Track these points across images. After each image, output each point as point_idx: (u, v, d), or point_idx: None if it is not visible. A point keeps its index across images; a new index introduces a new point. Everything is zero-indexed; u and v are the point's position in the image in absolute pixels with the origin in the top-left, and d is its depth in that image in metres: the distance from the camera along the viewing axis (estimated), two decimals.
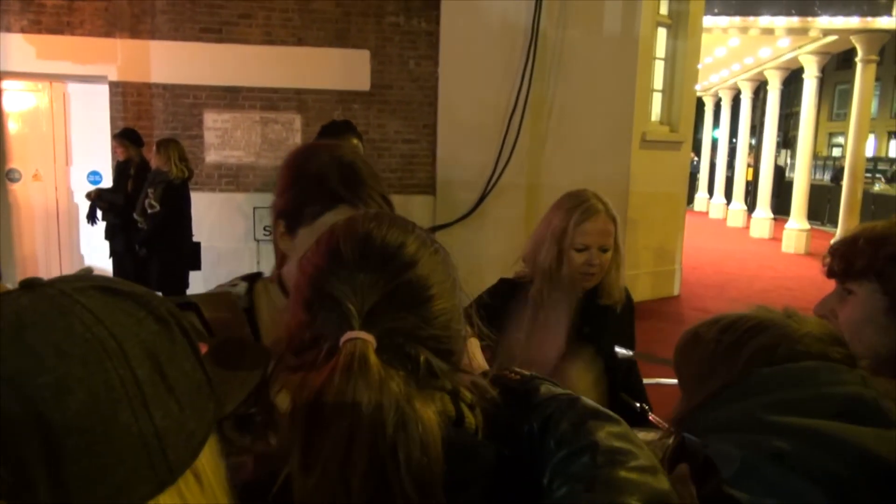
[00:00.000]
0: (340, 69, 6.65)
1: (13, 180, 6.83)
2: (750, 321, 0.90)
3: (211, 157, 6.59)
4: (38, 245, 6.94)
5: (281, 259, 1.16)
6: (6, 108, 6.78)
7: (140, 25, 6.40)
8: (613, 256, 1.76)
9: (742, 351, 0.87)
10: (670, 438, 0.92)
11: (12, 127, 6.81)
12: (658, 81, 7.51)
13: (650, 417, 1.65)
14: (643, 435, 0.94)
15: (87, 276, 0.48)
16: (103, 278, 0.49)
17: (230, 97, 6.59)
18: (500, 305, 1.72)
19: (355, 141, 2.45)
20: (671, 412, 0.95)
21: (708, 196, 18.36)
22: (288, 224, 1.11)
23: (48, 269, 6.95)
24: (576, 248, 1.71)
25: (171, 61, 6.47)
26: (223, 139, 6.63)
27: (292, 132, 6.67)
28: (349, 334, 0.63)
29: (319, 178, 1.10)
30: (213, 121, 6.61)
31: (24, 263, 6.94)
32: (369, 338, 0.63)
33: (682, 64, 7.55)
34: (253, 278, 1.18)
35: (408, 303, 0.68)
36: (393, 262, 0.69)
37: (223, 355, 0.54)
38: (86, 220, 5.57)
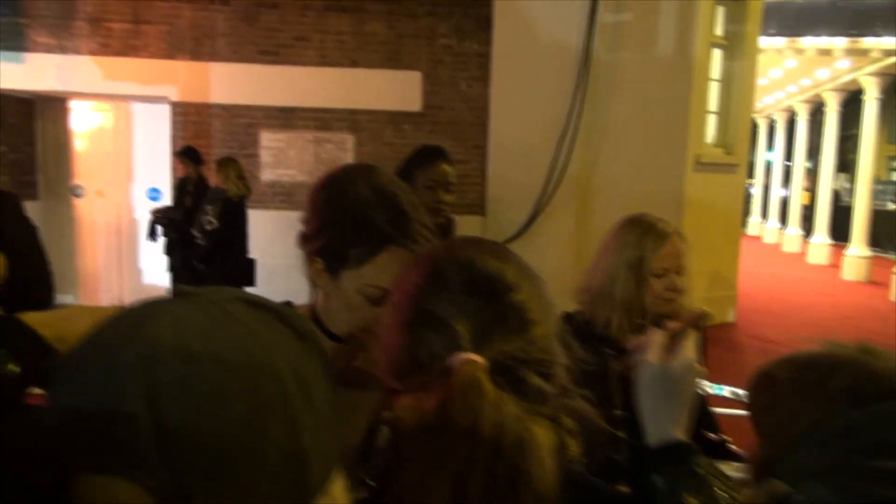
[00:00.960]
0: (393, 90, 6.74)
1: (77, 196, 7.10)
2: (828, 359, 0.85)
3: (266, 175, 6.74)
4: (99, 259, 7.17)
5: (319, 295, 1.11)
6: (74, 127, 7.07)
7: (201, 48, 6.62)
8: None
9: (824, 391, 0.82)
10: (752, 485, 0.88)
11: (79, 145, 7.09)
12: (713, 103, 7.38)
13: (730, 448, 1.59)
14: (727, 468, 0.90)
15: (229, 289, 0.48)
16: (244, 292, 0.49)
17: (285, 117, 6.74)
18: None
19: (446, 167, 2.44)
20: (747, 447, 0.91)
21: (762, 220, 17.91)
22: (329, 264, 1.06)
23: (108, 282, 7.18)
24: (655, 273, 1.64)
25: (229, 82, 6.66)
26: (278, 158, 6.77)
27: (345, 152, 6.77)
28: (462, 356, 0.62)
29: (364, 217, 1.03)
30: (269, 140, 6.76)
31: (85, 277, 7.18)
32: (482, 360, 0.62)
33: (737, 85, 7.42)
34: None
35: (513, 327, 0.67)
36: (497, 287, 0.69)
37: (341, 379, 0.54)
38: (147, 237, 5.72)
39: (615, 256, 1.68)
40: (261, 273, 5.36)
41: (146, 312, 0.44)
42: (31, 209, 6.60)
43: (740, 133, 7.54)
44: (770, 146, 18.23)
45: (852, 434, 0.78)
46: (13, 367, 0.58)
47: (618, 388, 1.43)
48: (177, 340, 0.41)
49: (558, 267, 5.88)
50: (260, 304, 0.47)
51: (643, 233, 1.66)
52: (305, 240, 1.08)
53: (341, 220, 1.04)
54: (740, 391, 1.65)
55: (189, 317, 0.43)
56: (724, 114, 7.49)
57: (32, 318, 0.64)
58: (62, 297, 7.05)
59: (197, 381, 0.40)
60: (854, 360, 0.83)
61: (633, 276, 1.63)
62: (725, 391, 1.95)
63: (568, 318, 1.74)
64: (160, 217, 5.56)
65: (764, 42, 8.63)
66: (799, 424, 0.82)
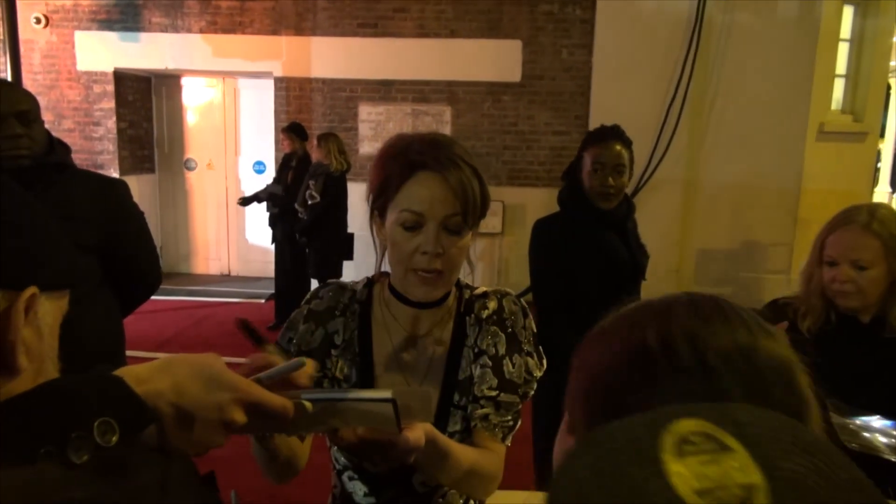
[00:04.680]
0: (492, 60, 6.60)
1: (190, 169, 7.45)
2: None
3: (364, 148, 6.81)
4: (209, 230, 7.54)
5: (383, 253, 1.15)
6: (186, 103, 7.41)
7: (303, 23, 6.71)
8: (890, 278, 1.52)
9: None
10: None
11: (191, 120, 7.42)
12: (841, 66, 6.75)
13: None
14: None
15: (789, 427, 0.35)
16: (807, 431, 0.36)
17: (384, 90, 6.76)
18: None
19: (618, 147, 2.29)
20: None
21: (891, 190, 16.49)
22: (379, 212, 1.11)
23: (218, 252, 7.54)
24: (826, 260, 1.55)
25: (330, 56, 6.74)
26: (376, 131, 6.81)
27: (442, 124, 6.72)
28: None
29: (399, 153, 1.08)
30: (368, 113, 6.81)
31: (196, 247, 7.58)
32: None
33: (870, 45, 6.73)
34: (369, 280, 1.21)
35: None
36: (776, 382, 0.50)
37: None
38: (239, 202, 5.95)
39: (814, 240, 1.62)
40: (358, 246, 5.44)
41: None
42: (148, 182, 7.00)
43: (872, 98, 6.86)
44: None
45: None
46: (114, 438, 0.54)
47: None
48: None
49: (662, 242, 5.62)
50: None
51: (834, 217, 1.58)
52: (371, 206, 1.13)
53: (384, 166, 1.09)
54: None
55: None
56: (853, 77, 6.84)
57: (130, 376, 0.60)
58: (176, 265, 7.48)
59: None
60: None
61: (812, 261, 1.59)
62: None
63: (772, 304, 1.71)
64: (262, 193, 5.73)
65: None
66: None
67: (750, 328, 0.52)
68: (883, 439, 1.35)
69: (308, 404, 0.79)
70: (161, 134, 7.49)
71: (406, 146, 1.08)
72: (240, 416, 0.69)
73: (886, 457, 1.32)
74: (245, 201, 5.85)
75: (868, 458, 1.32)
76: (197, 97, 7.40)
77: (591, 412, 0.52)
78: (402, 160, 1.06)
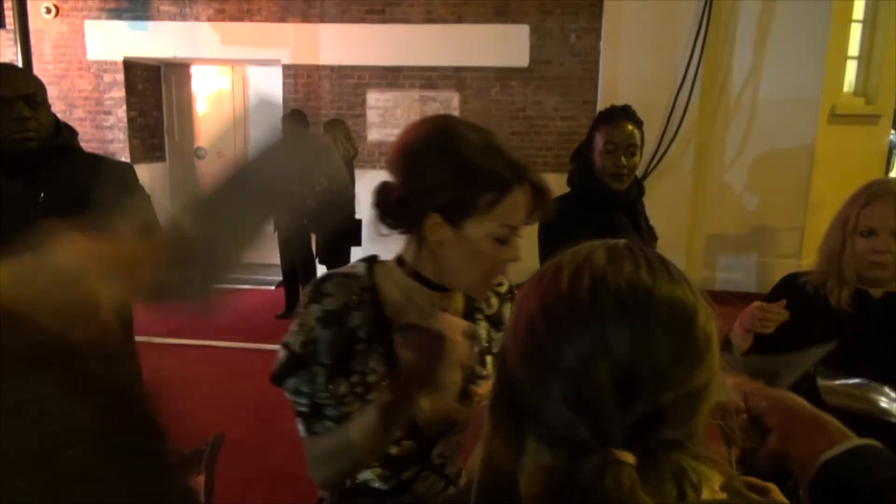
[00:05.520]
0: (499, 45, 6.57)
1: (200, 157, 7.49)
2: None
3: (373, 135, 6.81)
4: None
5: (417, 244, 1.14)
6: (196, 91, 7.43)
7: (310, 10, 6.71)
8: None
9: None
10: None
11: (200, 108, 7.46)
12: (854, 47, 6.67)
13: None
14: None
15: None
16: None
17: (391, 76, 6.75)
18: (780, 298, 1.62)
19: (630, 127, 2.30)
20: None
21: None
22: (450, 217, 1.09)
23: None
24: (860, 232, 1.56)
25: (337, 43, 6.73)
26: (384, 118, 6.82)
27: (450, 110, 6.71)
28: (608, 454, 0.51)
29: (485, 166, 1.06)
30: (376, 100, 6.81)
31: None
32: (632, 460, 0.51)
33: (883, 26, 6.64)
34: (370, 260, 1.21)
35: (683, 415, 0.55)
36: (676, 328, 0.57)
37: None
38: None
39: (837, 215, 1.65)
40: (367, 233, 5.46)
41: None
42: (159, 171, 7.02)
43: (886, 79, 6.78)
44: None
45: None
46: None
47: (809, 341, 1.47)
48: None
49: (671, 227, 5.59)
50: None
51: (862, 190, 1.60)
52: (409, 200, 1.09)
53: (464, 174, 1.06)
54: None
55: None
56: (866, 59, 6.75)
57: None
58: None
59: None
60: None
61: (840, 233, 1.60)
62: None
63: (791, 276, 1.76)
64: None
65: None
66: None
67: (653, 270, 0.57)
68: (873, 397, 1.39)
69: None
70: (171, 122, 7.53)
71: (485, 160, 1.06)
72: None
73: (878, 412, 1.37)
74: None
75: (851, 415, 1.35)
76: (206, 86, 7.42)
77: (520, 346, 0.59)
78: (491, 175, 1.06)
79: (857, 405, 1.39)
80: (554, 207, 1.14)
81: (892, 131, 7.12)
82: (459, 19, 6.58)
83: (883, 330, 1.55)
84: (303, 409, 1.12)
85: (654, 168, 6.16)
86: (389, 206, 1.11)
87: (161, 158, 7.46)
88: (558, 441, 0.55)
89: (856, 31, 6.66)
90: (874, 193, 1.56)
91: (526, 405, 0.57)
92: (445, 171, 1.07)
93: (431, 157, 1.08)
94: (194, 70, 7.37)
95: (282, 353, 1.12)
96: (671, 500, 0.51)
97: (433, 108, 6.73)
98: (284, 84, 6.85)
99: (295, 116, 5.59)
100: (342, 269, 1.20)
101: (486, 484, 0.60)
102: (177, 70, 7.38)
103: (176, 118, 7.50)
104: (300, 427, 1.14)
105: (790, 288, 1.70)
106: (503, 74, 6.64)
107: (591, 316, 0.55)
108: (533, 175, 1.09)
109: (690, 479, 0.53)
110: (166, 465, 0.36)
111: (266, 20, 6.75)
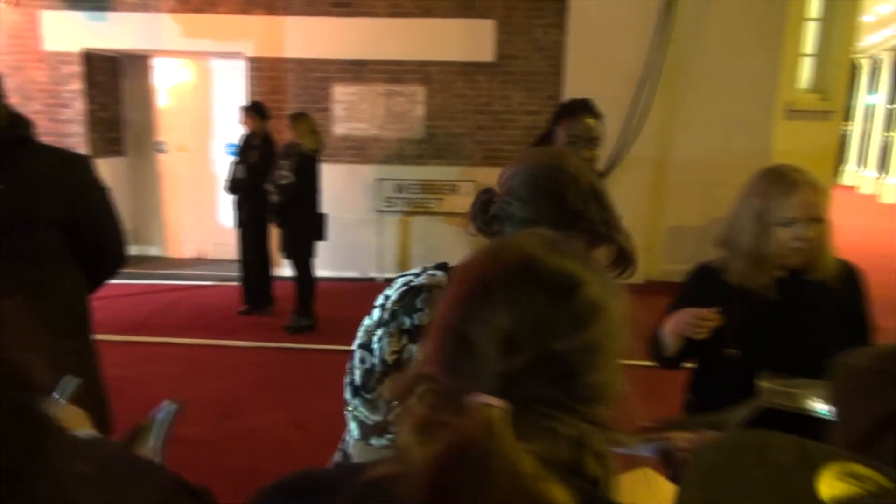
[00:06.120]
0: (465, 40, 6.59)
1: (161, 151, 7.36)
2: None
3: (338, 129, 6.77)
4: (182, 213, 7.47)
5: None
6: (156, 84, 7.29)
7: (275, 2, 6.63)
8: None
9: None
10: None
11: (161, 102, 7.32)
12: (809, 45, 6.86)
13: None
14: None
15: None
16: None
17: (357, 70, 6.72)
18: (700, 290, 1.72)
19: (590, 121, 2.36)
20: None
21: (858, 168, 16.79)
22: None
23: (191, 234, 7.48)
24: (780, 223, 1.61)
25: (303, 36, 6.67)
26: (349, 112, 6.79)
27: (415, 104, 6.71)
28: (481, 398, 0.56)
29: (584, 215, 1.12)
30: (341, 94, 6.78)
31: (169, 230, 7.51)
32: (502, 405, 0.56)
33: (838, 25, 6.85)
34: (443, 267, 1.22)
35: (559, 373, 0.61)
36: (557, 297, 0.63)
37: None
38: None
39: (742, 205, 1.70)
40: (332, 227, 5.44)
41: None
42: (118, 165, 6.89)
43: (838, 77, 7.00)
44: (873, 89, 16.90)
45: None
46: None
47: (736, 331, 1.60)
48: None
49: (633, 219, 5.68)
50: None
51: (770, 181, 1.65)
52: (503, 219, 1.15)
53: (560, 213, 1.11)
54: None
55: None
56: (821, 56, 6.95)
57: None
58: (148, 249, 7.42)
59: None
60: None
61: (756, 224, 1.64)
62: None
63: (703, 266, 1.82)
64: (226, 184, 5.51)
65: None
66: (877, 413, 0.79)
67: (542, 244, 0.66)
68: (810, 395, 1.45)
69: None
70: (131, 116, 7.38)
71: (587, 210, 1.13)
72: None
73: (810, 411, 1.43)
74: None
75: (798, 416, 1.42)
76: (168, 79, 7.29)
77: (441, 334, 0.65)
78: (584, 225, 1.12)
79: (792, 404, 1.45)
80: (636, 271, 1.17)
81: (843, 125, 7.35)
82: (425, 13, 6.58)
83: (803, 306, 1.64)
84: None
85: (618, 164, 6.26)
86: (483, 216, 1.17)
87: (120, 153, 7.31)
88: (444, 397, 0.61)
89: (811, 30, 6.85)
90: (790, 184, 1.61)
91: (424, 368, 0.65)
92: (544, 203, 1.13)
93: (538, 191, 1.13)
94: (155, 62, 7.23)
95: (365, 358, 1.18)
96: (541, 449, 0.56)
97: (399, 103, 6.72)
98: (249, 77, 6.77)
99: (255, 108, 5.53)
100: (426, 281, 1.19)
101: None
102: (137, 62, 7.23)
103: (136, 112, 7.36)
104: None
105: (707, 279, 1.77)
106: (469, 69, 6.66)
107: (484, 282, 0.63)
108: (623, 238, 1.13)
109: (565, 435, 0.59)
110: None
111: (230, 12, 6.65)
